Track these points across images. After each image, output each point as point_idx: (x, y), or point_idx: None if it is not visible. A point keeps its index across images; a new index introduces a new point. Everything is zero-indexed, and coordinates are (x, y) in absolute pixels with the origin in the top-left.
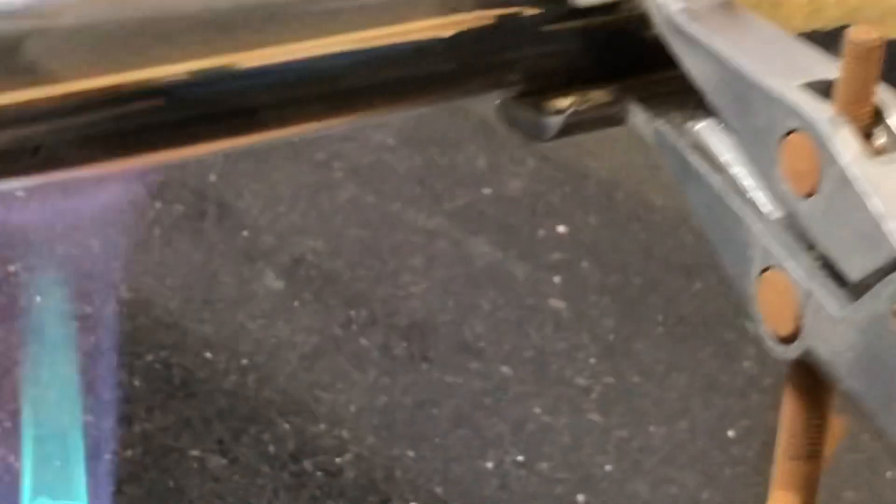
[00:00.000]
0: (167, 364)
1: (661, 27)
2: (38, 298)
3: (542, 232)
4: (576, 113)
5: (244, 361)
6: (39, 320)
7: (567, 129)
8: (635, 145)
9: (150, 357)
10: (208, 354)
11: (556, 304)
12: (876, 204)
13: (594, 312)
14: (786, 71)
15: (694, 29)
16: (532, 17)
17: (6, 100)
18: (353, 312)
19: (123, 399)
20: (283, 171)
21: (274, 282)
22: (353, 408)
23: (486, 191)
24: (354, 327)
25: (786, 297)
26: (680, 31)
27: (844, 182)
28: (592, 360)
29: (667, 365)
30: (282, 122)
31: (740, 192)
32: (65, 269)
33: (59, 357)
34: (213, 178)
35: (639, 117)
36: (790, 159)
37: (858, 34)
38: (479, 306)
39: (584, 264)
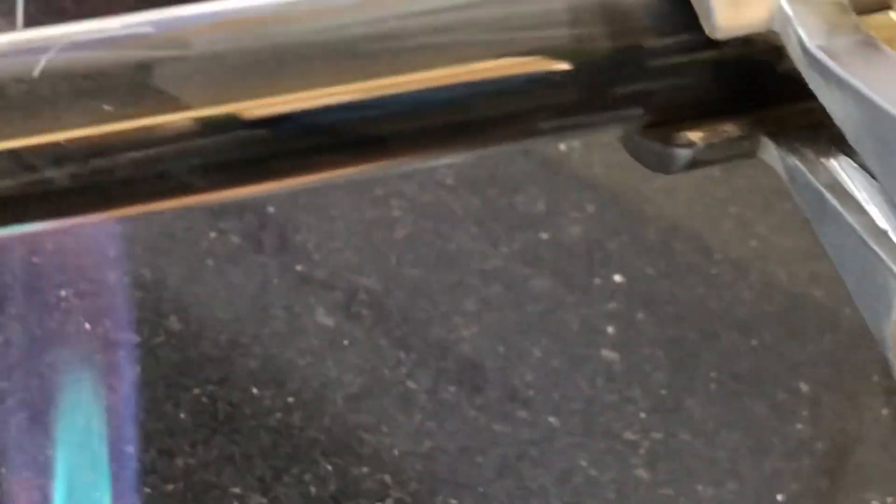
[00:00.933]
0: (213, 398)
1: (799, 63)
2: (87, 325)
3: (597, 280)
4: (706, 147)
5: (290, 399)
6: (88, 348)
7: (696, 163)
8: (696, 195)
9: (196, 390)
10: (255, 390)
11: (609, 354)
12: None
13: (647, 365)
14: None
15: (835, 66)
16: (662, 47)
17: (133, 126)
18: (402, 354)
19: (167, 432)
20: (341, 206)
21: (325, 318)
22: (396, 451)
23: (544, 235)
24: (403, 369)
25: None
26: (820, 68)
27: None
28: (642, 415)
29: (717, 423)
30: (404, 152)
31: (880, 233)
32: (115, 296)
33: (102, 385)
34: (271, 209)
35: (770, 152)
36: None
37: None
38: (530, 353)
39: (640, 315)
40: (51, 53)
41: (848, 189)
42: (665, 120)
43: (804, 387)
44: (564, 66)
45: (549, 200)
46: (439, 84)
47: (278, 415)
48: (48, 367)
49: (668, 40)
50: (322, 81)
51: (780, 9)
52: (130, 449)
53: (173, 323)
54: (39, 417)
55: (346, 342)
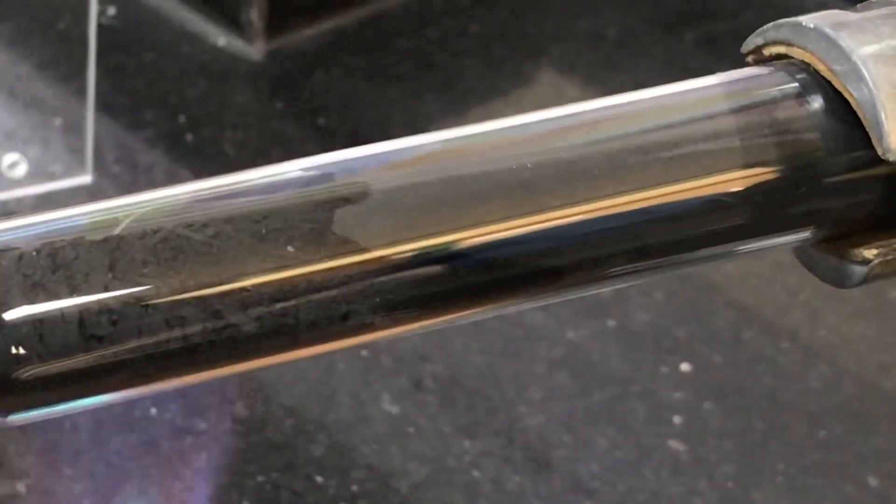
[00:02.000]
0: (276, 486)
1: None
2: (154, 411)
3: (664, 369)
4: (882, 263)
5: (354, 488)
6: (154, 434)
7: (872, 278)
8: (766, 282)
9: (260, 478)
10: (319, 478)
11: (676, 445)
12: None
13: (714, 457)
14: None
15: None
16: (834, 167)
17: (314, 268)
18: (467, 443)
19: None
20: None
21: (390, 405)
22: None
23: (611, 322)
24: (468, 458)
25: None
26: None
27: None
28: None
29: None
30: (581, 280)
31: None
32: None
33: (169, 472)
34: None
35: None
36: None
37: None
38: (596, 443)
39: (707, 405)
40: (229, 200)
41: None
42: (840, 235)
43: (873, 481)
44: (738, 188)
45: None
46: (614, 213)
47: None
48: (115, 454)
49: (841, 159)
50: (496, 216)
51: None
52: None
53: (239, 409)
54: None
55: (411, 429)
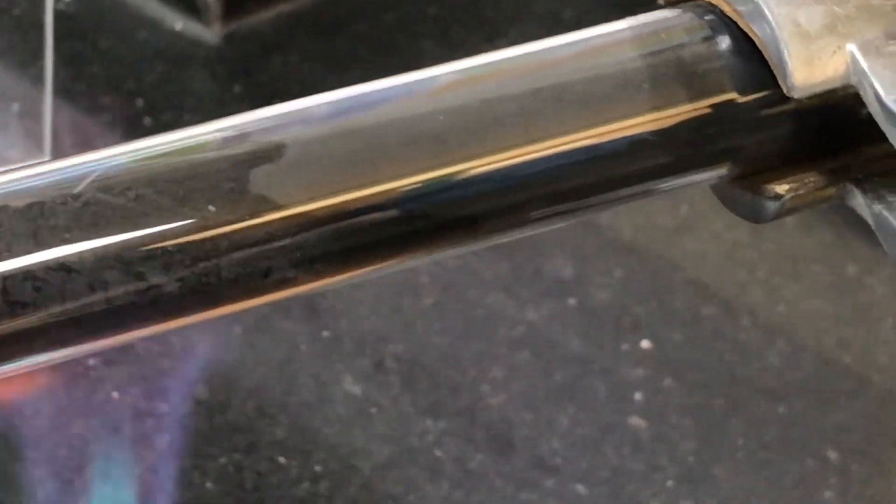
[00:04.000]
0: (239, 467)
1: (877, 115)
2: (116, 394)
3: (625, 346)
4: (794, 197)
5: (317, 468)
6: (116, 417)
7: (786, 212)
8: (725, 259)
9: (223, 459)
10: (282, 459)
11: (637, 422)
12: None
13: (675, 433)
14: None
15: None
16: (742, 105)
17: (235, 227)
18: (429, 422)
19: (194, 501)
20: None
21: (352, 386)
22: None
23: (572, 301)
24: (430, 437)
25: None
26: None
27: None
28: (670, 483)
29: (746, 492)
30: (499, 227)
31: None
32: (143, 365)
33: (131, 455)
34: None
35: (857, 199)
36: None
37: None
38: (557, 421)
39: (667, 382)
40: (150, 162)
41: None
42: (753, 171)
43: (833, 454)
44: (651, 129)
45: (576, 266)
46: (526, 160)
47: (305, 484)
48: (76, 437)
49: (750, 97)
50: (410, 168)
51: (856, 63)
52: None
53: (200, 391)
54: (68, 488)
55: (373, 410)
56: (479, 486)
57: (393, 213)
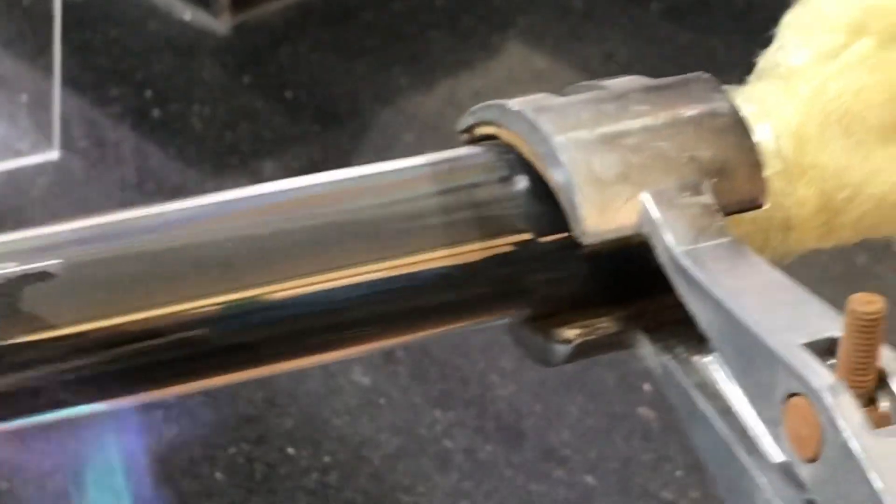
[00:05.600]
0: (249, 458)
1: (666, 266)
2: None
3: None
4: (584, 343)
5: (327, 459)
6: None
7: (575, 357)
8: None
9: (232, 450)
10: (291, 450)
11: (646, 412)
12: (876, 479)
13: None
14: (789, 326)
15: (698, 273)
16: (535, 246)
17: (7, 343)
18: (438, 413)
19: (204, 493)
20: None
21: (361, 377)
22: None
23: None
24: (439, 428)
25: None
26: (685, 275)
27: (846, 453)
28: (679, 473)
29: None
30: (279, 356)
31: (746, 437)
32: None
33: (140, 446)
34: None
35: (646, 349)
36: (792, 422)
37: (861, 304)
38: (567, 412)
39: None
40: None
41: (718, 389)
42: (544, 314)
43: None
44: (437, 268)
45: None
46: (310, 291)
47: (315, 475)
48: (84, 429)
49: (543, 240)
50: (193, 295)
51: (648, 213)
52: None
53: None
54: (76, 479)
55: (382, 401)
56: (489, 476)
57: (165, 339)
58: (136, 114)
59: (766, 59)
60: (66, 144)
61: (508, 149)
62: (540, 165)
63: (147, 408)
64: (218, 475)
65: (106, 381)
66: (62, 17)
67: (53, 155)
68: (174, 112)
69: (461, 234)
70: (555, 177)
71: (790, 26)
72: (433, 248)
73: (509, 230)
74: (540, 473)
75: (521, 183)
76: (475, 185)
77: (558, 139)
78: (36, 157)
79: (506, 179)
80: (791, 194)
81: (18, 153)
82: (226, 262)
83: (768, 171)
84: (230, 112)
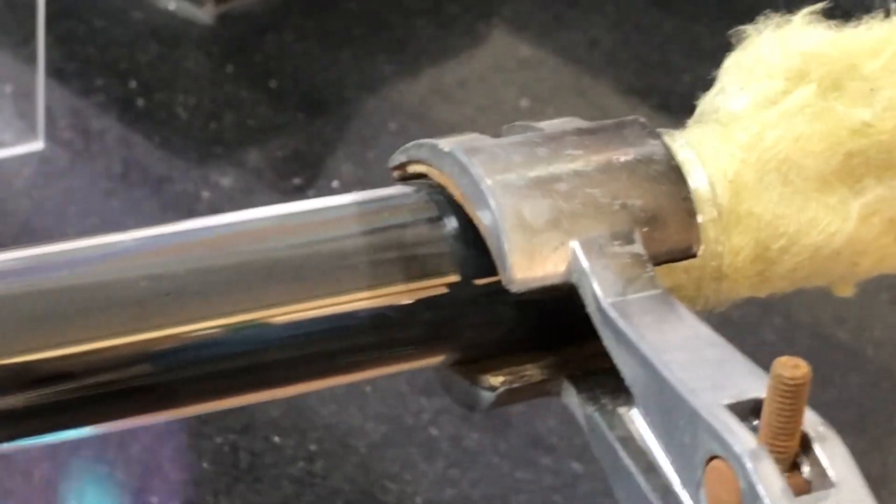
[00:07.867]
0: (235, 447)
1: (593, 317)
2: None
3: None
4: (510, 390)
5: (313, 447)
6: None
7: (500, 404)
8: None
9: (218, 439)
10: (277, 439)
11: None
12: None
13: None
14: (713, 385)
15: (624, 326)
16: (461, 290)
17: None
18: (424, 401)
19: (191, 481)
20: None
21: None
22: (419, 500)
23: None
24: (426, 416)
25: None
26: (612, 327)
27: None
28: None
29: None
30: (202, 398)
31: (669, 494)
32: None
33: (125, 435)
34: None
35: (572, 398)
36: (713, 486)
37: (786, 368)
38: (553, 399)
39: None
40: None
41: (641, 444)
42: (470, 359)
43: None
44: (359, 310)
45: None
46: (226, 333)
47: (301, 463)
48: None
49: (470, 284)
50: (103, 334)
51: (577, 262)
52: (154, 500)
53: None
54: (62, 466)
55: (368, 389)
56: (475, 464)
57: (80, 380)
58: (120, 104)
59: (706, 103)
60: (51, 135)
61: (440, 189)
62: (469, 208)
63: None
64: (204, 464)
65: (20, 416)
66: (46, 6)
67: (38, 145)
68: (159, 102)
69: (388, 275)
70: (484, 221)
71: (731, 70)
72: (358, 288)
73: (437, 272)
74: (526, 461)
75: (451, 225)
76: (404, 226)
77: (488, 182)
78: (20, 147)
79: (435, 221)
80: (725, 243)
81: (2, 144)
82: (138, 302)
83: (703, 218)
84: (215, 101)
